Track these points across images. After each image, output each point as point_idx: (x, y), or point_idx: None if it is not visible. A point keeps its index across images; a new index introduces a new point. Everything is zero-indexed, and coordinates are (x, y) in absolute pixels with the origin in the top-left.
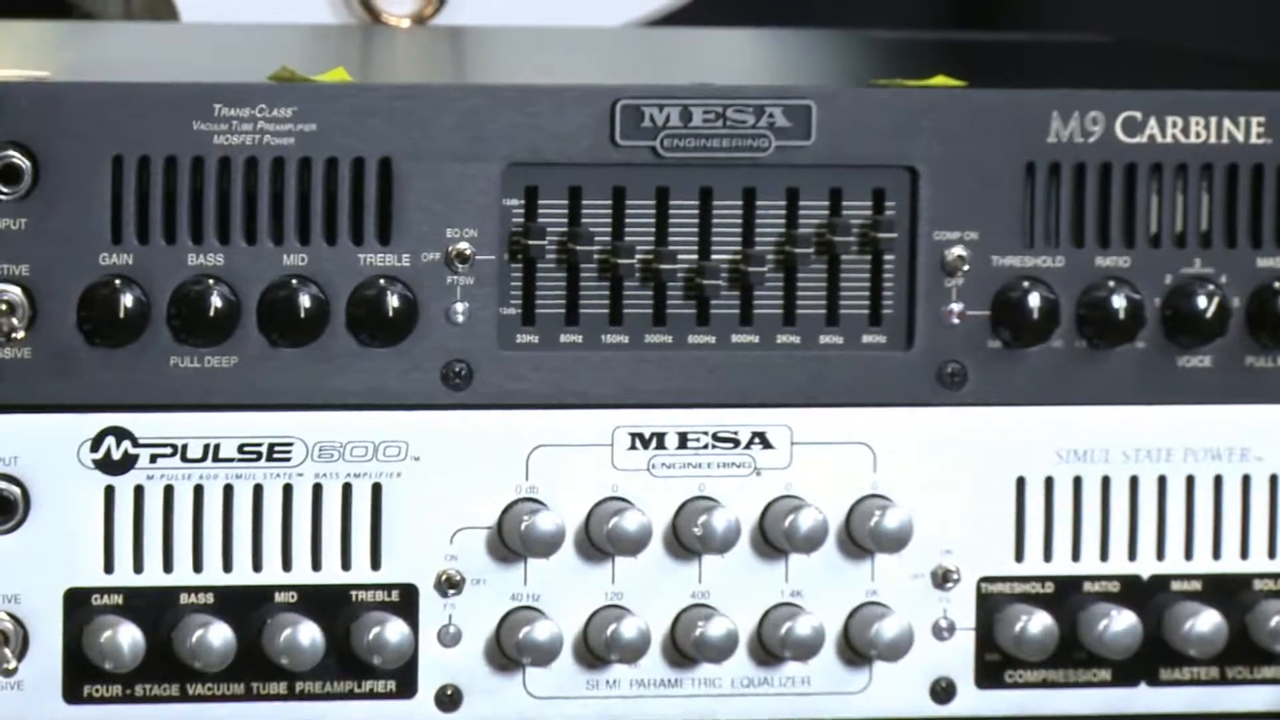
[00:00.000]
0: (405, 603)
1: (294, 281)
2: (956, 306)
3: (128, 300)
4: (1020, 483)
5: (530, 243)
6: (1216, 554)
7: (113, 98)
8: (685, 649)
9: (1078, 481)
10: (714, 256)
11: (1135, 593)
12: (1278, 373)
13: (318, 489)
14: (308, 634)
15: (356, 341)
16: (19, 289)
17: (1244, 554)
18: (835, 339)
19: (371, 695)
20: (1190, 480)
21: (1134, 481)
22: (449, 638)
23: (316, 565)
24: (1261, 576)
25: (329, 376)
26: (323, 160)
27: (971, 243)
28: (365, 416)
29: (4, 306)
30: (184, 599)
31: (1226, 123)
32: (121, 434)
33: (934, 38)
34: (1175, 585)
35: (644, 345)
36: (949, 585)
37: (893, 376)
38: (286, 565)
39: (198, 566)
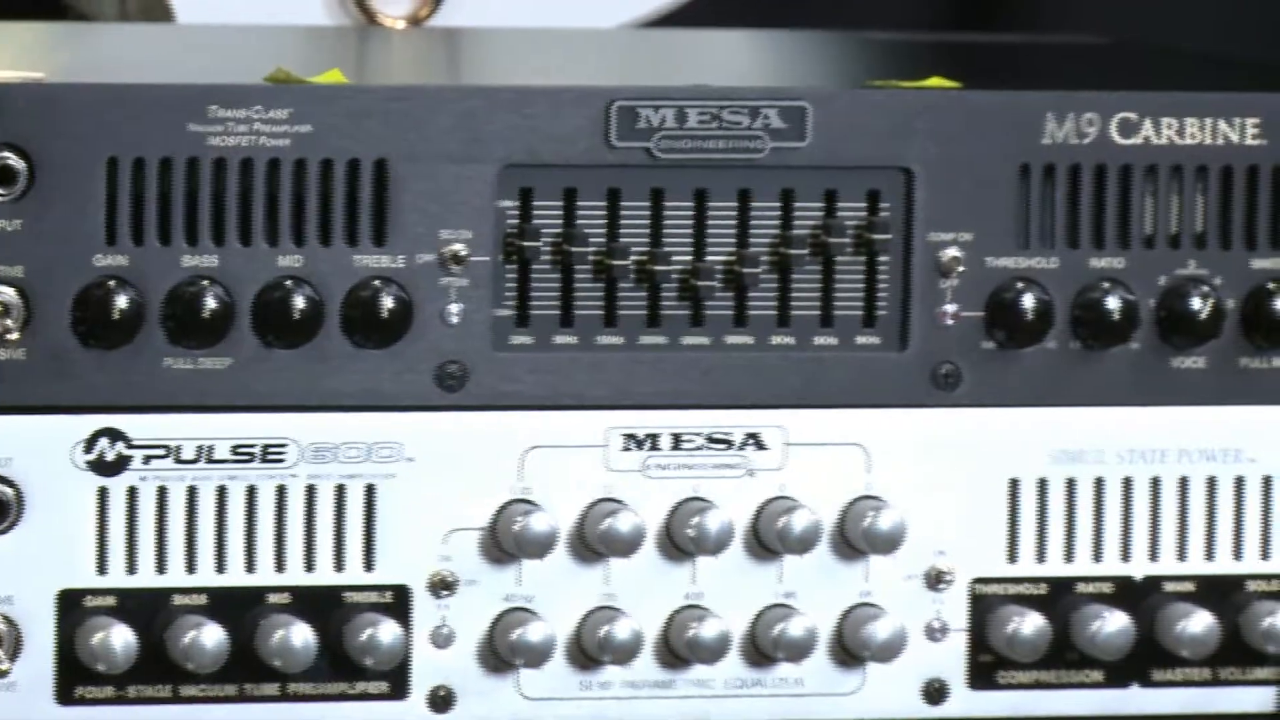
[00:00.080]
0: (398, 604)
1: (289, 283)
2: (951, 307)
3: (122, 301)
4: (1014, 484)
5: (525, 244)
6: (1209, 555)
7: (108, 99)
8: (678, 650)
9: (1071, 483)
10: (709, 258)
11: (1128, 594)
12: (1272, 374)
13: (311, 490)
14: (300, 635)
15: (351, 343)
16: (14, 290)
17: (1237, 555)
18: (830, 340)
19: (364, 696)
20: (1184, 481)
21: (1127, 483)
22: (442, 639)
23: (310, 566)
24: (1254, 578)
25: (323, 378)
26: (318, 161)
27: (966, 244)
28: (359, 418)
29: None
30: (177, 600)
31: (1222, 124)
32: (115, 435)
33: (929, 39)
34: (1168, 586)
35: (638, 347)
36: (942, 586)
37: (887, 377)
38: (280, 566)
39: (191, 568)
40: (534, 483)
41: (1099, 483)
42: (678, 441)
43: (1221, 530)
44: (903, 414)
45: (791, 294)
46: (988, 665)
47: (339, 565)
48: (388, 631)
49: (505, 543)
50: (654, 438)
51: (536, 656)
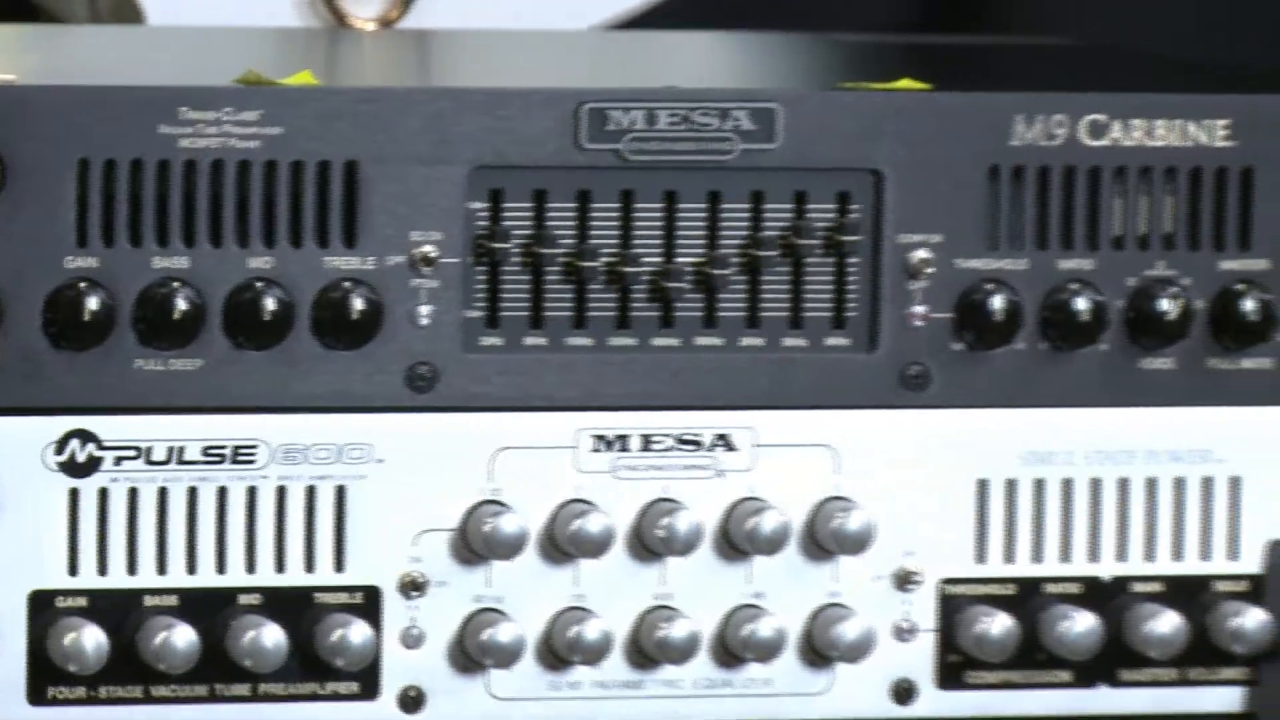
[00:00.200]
0: (368, 605)
1: (259, 284)
2: (920, 309)
3: (93, 303)
4: (982, 484)
5: (495, 246)
6: (1177, 556)
7: (79, 101)
8: (648, 650)
9: (1040, 483)
10: (678, 259)
11: (1096, 594)
12: (1240, 375)
13: (282, 491)
14: (271, 636)
15: (321, 344)
16: None
17: (1205, 556)
18: (799, 341)
19: (335, 697)
20: (1152, 482)
21: (1096, 483)
22: (412, 639)
23: (280, 567)
24: (1221, 578)
25: (293, 379)
26: (288, 163)
27: (936, 245)
28: (329, 419)
29: None
30: (148, 601)
31: (1190, 126)
32: (86, 437)
33: (899, 41)
34: (1136, 587)
35: (608, 348)
36: (910, 587)
37: (856, 379)
38: (250, 567)
39: (162, 569)
40: (504, 484)
41: (1067, 483)
42: (647, 443)
43: (1189, 531)
44: (872, 415)
45: (761, 295)
46: (956, 665)
47: (309, 566)
48: (358, 632)
49: (475, 544)
50: (624, 439)
51: (506, 657)
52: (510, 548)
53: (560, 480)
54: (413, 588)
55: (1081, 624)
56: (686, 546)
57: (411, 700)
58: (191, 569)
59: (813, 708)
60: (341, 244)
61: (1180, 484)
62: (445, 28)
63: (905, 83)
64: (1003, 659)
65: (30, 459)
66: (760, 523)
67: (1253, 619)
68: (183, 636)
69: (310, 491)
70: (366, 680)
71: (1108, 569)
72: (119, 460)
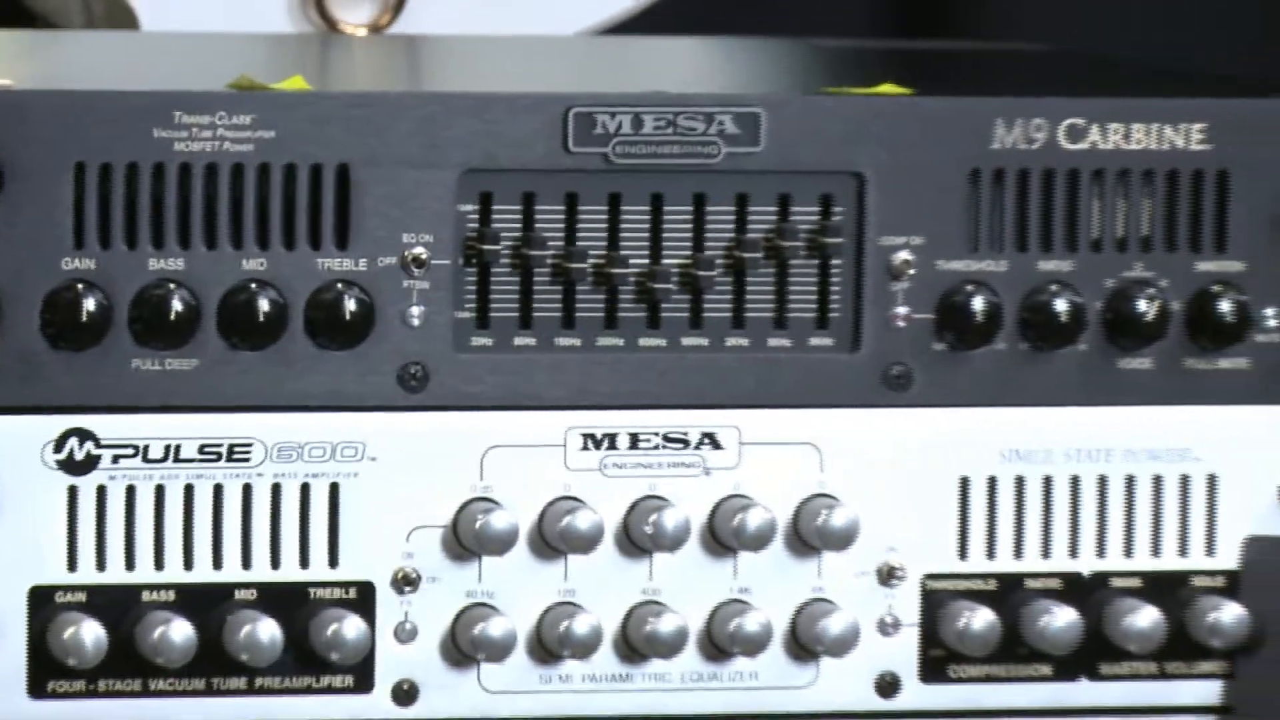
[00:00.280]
0: (362, 600)
1: (253, 286)
2: (902, 310)
3: (90, 304)
4: (964, 482)
5: (485, 248)
6: (1155, 552)
7: (75, 105)
8: (636, 645)
9: (1020, 481)
10: (665, 261)
11: (1076, 589)
12: (1216, 374)
13: (276, 489)
14: (267, 631)
15: (314, 344)
16: None
17: (1182, 552)
18: (783, 342)
19: (329, 690)
20: (1130, 480)
21: (1075, 481)
22: (405, 634)
23: (275, 563)
24: (1199, 574)
25: (287, 379)
26: (281, 167)
27: (917, 247)
28: (323, 418)
29: None
30: (146, 596)
31: (1167, 130)
32: (84, 435)
33: (881, 46)
34: (1115, 582)
35: (596, 348)
36: (894, 582)
37: (839, 378)
38: (246, 563)
39: (159, 564)
40: (494, 481)
41: (1047, 481)
42: (635, 441)
43: (1167, 527)
44: (855, 414)
45: (746, 297)
46: (939, 659)
47: (304, 562)
48: (352, 627)
49: (466, 540)
50: (612, 437)
51: (497, 651)
52: (501, 544)
53: (550, 478)
54: (405, 583)
55: (1062, 619)
56: (674, 543)
57: (405, 693)
58: (188, 565)
59: (798, 701)
60: (334, 246)
61: (1158, 481)
62: (435, 33)
63: (887, 87)
64: (985, 653)
65: (29, 457)
66: (746, 519)
67: (1229, 614)
68: (180, 631)
69: (305, 489)
70: (360, 674)
71: (1087, 565)
72: (117, 458)
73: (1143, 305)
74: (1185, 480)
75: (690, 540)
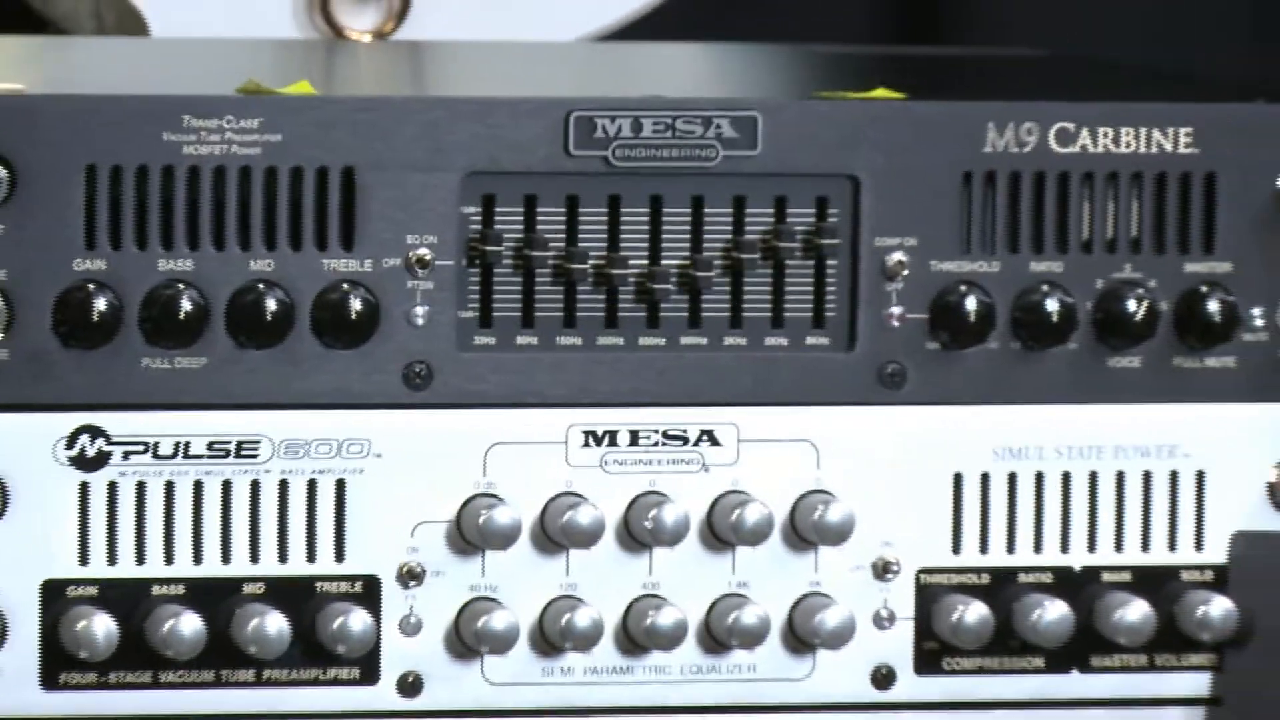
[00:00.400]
0: (368, 594)
1: (260, 286)
2: (896, 310)
3: (101, 304)
4: (958, 478)
5: (488, 249)
6: (1145, 546)
7: (86, 109)
8: (636, 638)
9: (1012, 477)
10: (664, 262)
11: (1067, 583)
12: (1204, 373)
13: (284, 485)
14: (275, 624)
15: (321, 344)
16: None
17: (1171, 546)
18: (780, 341)
19: (336, 682)
20: (1120, 476)
21: (1066, 477)
22: (410, 627)
23: (283, 558)
24: (1188, 568)
25: (294, 377)
26: (288, 170)
27: (911, 249)
28: (329, 415)
29: None
30: (156, 590)
31: (1155, 133)
32: (95, 432)
33: (875, 52)
34: (1106, 576)
35: (597, 347)
36: (889, 576)
37: (835, 377)
38: (254, 558)
39: (169, 559)
40: (497, 478)
41: (1039, 477)
42: (635, 438)
43: (1157, 523)
44: (851, 412)
45: (743, 297)
46: (933, 652)
47: (311, 556)
48: (358, 620)
49: (470, 535)
50: (612, 434)
51: (501, 644)
52: (504, 539)
53: (551, 474)
54: (410, 577)
55: (1054, 612)
56: (673, 538)
57: (410, 686)
58: (198, 559)
59: (795, 692)
60: (340, 247)
61: (1148, 478)
62: (438, 39)
63: (881, 92)
64: (978, 646)
65: (42, 454)
66: (744, 515)
67: (1218, 607)
68: (189, 624)
69: (311, 485)
70: (366, 666)
71: (1078, 559)
72: (127, 455)
73: (1132, 305)
74: (1174, 476)
75: (689, 535)
